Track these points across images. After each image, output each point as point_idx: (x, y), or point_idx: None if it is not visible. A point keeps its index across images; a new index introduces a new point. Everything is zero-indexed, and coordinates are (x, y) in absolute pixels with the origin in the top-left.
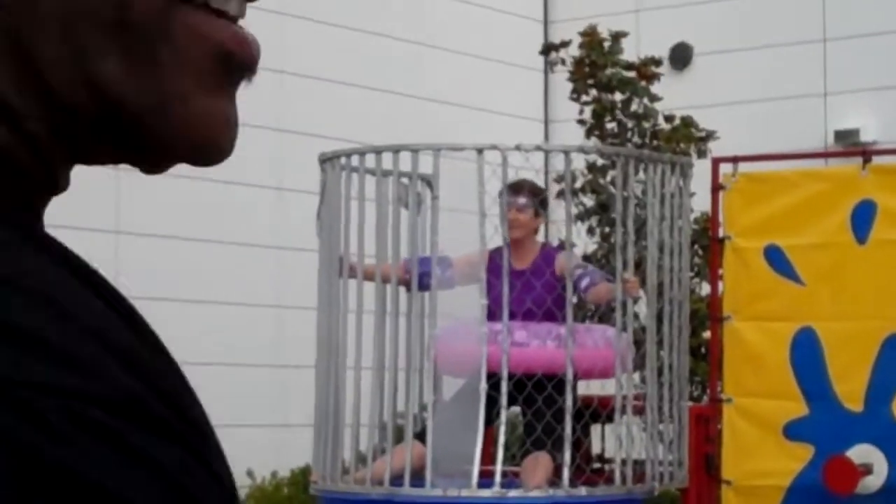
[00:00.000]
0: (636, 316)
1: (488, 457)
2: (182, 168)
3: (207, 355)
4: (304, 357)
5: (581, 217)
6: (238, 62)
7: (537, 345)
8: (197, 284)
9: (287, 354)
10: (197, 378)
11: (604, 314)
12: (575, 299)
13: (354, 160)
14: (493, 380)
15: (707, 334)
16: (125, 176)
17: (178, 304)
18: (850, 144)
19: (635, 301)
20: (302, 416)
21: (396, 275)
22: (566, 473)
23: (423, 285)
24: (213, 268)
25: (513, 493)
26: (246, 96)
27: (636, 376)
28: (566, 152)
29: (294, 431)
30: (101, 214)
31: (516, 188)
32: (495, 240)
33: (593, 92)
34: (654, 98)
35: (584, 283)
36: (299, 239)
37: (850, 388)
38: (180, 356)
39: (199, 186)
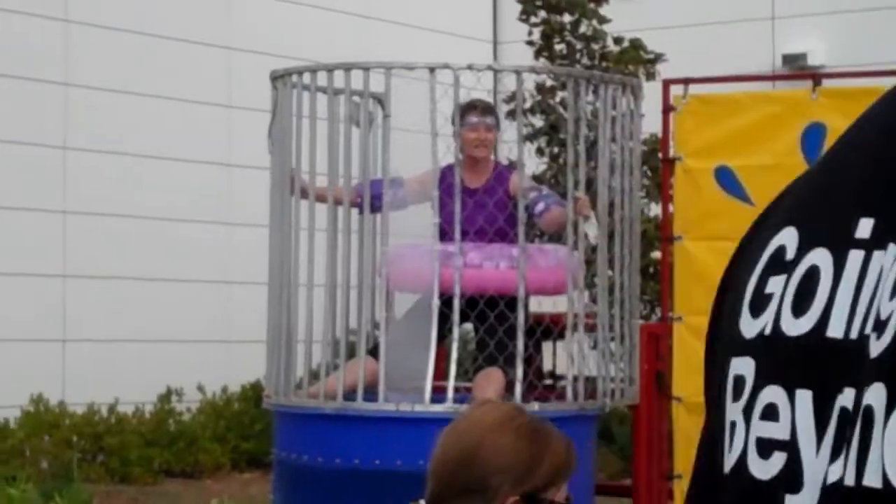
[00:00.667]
0: (587, 235)
1: (441, 372)
2: (134, 85)
3: (156, 272)
4: (253, 274)
5: (530, 137)
6: None
7: (490, 266)
8: (147, 198)
9: (235, 271)
10: (147, 294)
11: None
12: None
13: (306, 78)
14: (445, 297)
15: (656, 254)
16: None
17: (131, 219)
18: (797, 68)
19: (585, 219)
20: (251, 333)
21: (349, 198)
22: (518, 389)
23: (375, 209)
24: (161, 182)
25: (465, 407)
26: (195, 14)
27: (587, 295)
28: (518, 72)
29: (244, 347)
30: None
31: (485, 108)
32: (447, 159)
33: (542, 13)
34: (602, 20)
35: (538, 207)
36: (249, 156)
37: None
38: (136, 272)
39: (152, 104)
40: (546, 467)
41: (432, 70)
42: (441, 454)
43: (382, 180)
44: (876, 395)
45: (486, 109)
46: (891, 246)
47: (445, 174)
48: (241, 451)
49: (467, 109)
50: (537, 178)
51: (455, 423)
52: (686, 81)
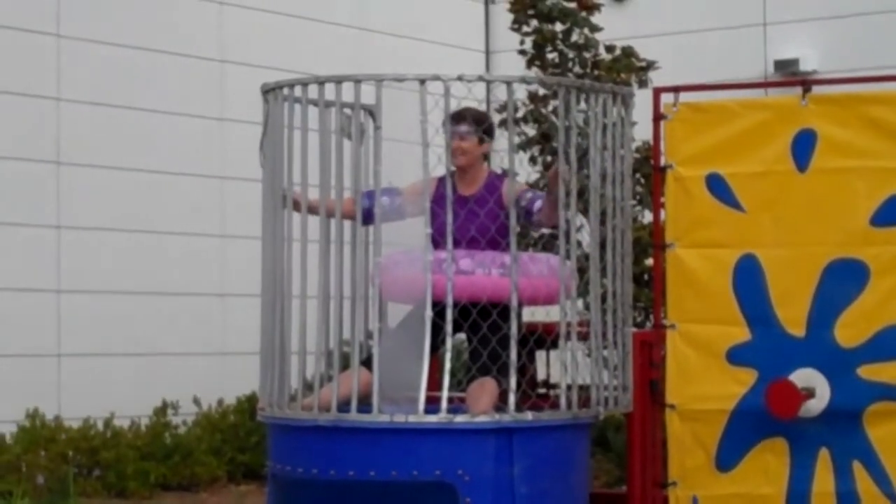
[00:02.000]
0: (579, 244)
1: (434, 383)
2: (126, 99)
3: (151, 285)
4: (248, 286)
5: (523, 146)
6: None
7: (482, 273)
8: (141, 212)
9: (230, 283)
10: (142, 307)
11: (547, 242)
12: (519, 228)
13: (297, 91)
14: (439, 307)
15: (649, 262)
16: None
17: (125, 233)
18: (789, 74)
19: (578, 229)
20: (246, 345)
21: (343, 209)
22: (512, 399)
23: (369, 219)
24: (154, 196)
25: (459, 418)
26: (187, 27)
27: (580, 303)
28: (508, 83)
29: (239, 360)
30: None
31: (458, 117)
32: (439, 169)
33: (534, 22)
34: (594, 28)
35: (536, 205)
36: (242, 169)
37: (792, 314)
38: (130, 286)
39: (144, 117)
40: None
41: (423, 81)
42: None
43: (375, 191)
44: None
45: (460, 118)
46: None
47: (439, 184)
48: (237, 464)
49: (449, 119)
50: (531, 187)
51: None
52: (676, 90)
